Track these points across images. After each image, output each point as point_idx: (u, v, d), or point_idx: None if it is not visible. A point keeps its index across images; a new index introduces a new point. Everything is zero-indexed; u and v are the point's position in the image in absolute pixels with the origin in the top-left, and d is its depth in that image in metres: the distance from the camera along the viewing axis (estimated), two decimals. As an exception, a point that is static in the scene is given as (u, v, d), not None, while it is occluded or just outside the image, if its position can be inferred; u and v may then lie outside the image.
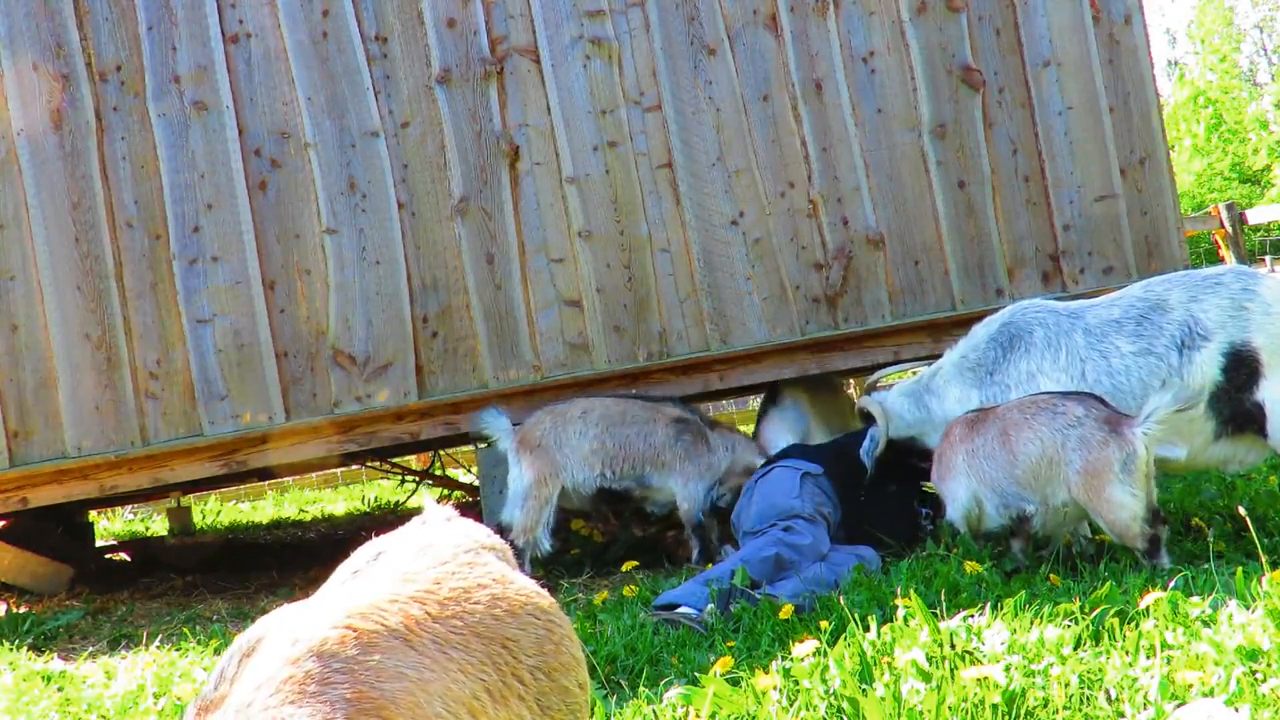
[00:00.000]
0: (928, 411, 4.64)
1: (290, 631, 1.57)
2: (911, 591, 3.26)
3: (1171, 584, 3.32)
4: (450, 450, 8.71)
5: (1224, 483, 5.08)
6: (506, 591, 1.83)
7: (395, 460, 8.03)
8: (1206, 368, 4.12)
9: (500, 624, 1.77)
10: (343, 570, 2.04)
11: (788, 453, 4.94)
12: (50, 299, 5.33)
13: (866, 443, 4.76)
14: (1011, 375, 4.37)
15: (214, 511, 9.97)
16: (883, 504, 4.67)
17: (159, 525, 9.54)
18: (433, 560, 1.81)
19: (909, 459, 4.71)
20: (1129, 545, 3.78)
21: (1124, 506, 3.70)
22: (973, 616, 3.12)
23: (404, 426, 5.53)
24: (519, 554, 4.89)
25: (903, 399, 4.74)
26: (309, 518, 9.33)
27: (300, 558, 6.84)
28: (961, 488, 4.09)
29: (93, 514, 8.46)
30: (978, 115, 5.71)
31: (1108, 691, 2.63)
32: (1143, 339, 4.21)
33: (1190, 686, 2.55)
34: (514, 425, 5.14)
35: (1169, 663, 2.69)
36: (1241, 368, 4.11)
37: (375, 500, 9.91)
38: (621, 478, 5.08)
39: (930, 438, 4.63)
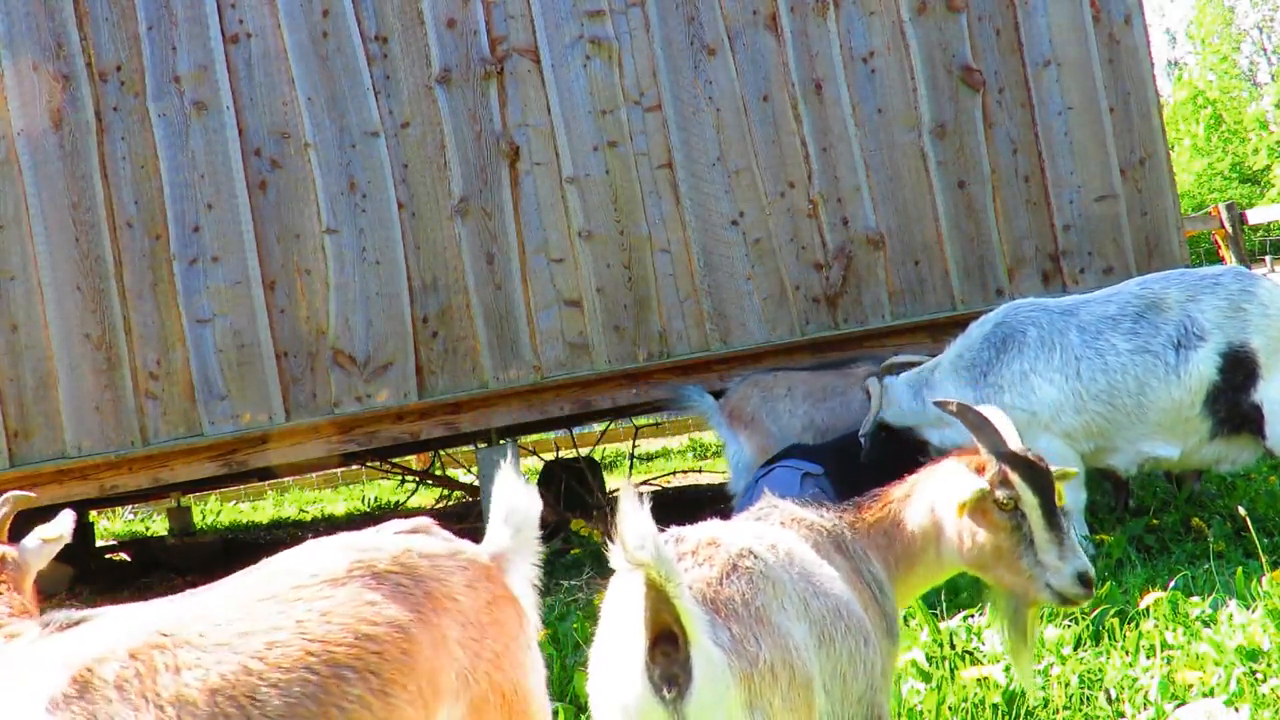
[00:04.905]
0: (923, 405, 4.64)
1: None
2: (911, 591, 3.25)
3: (1171, 584, 3.32)
4: (450, 450, 8.72)
5: (1224, 483, 5.08)
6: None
7: (395, 460, 8.03)
8: (1203, 367, 4.12)
9: None
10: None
11: (789, 452, 4.93)
12: (50, 299, 5.33)
13: (864, 425, 4.77)
14: (1004, 376, 4.37)
15: (214, 511, 9.98)
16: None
17: (159, 525, 9.55)
18: None
19: (914, 453, 4.69)
20: None
21: None
22: (973, 616, 3.13)
23: (404, 426, 5.53)
24: None
25: (905, 388, 4.74)
26: (309, 518, 9.34)
27: (300, 558, 6.82)
28: None
29: (93, 514, 8.46)
30: (978, 115, 5.71)
31: (1108, 691, 2.63)
32: (1139, 337, 4.22)
33: (1190, 686, 2.55)
34: (717, 400, 5.12)
35: (1169, 663, 2.69)
36: (1239, 368, 4.11)
37: (375, 500, 9.91)
38: None
39: (927, 431, 4.63)
